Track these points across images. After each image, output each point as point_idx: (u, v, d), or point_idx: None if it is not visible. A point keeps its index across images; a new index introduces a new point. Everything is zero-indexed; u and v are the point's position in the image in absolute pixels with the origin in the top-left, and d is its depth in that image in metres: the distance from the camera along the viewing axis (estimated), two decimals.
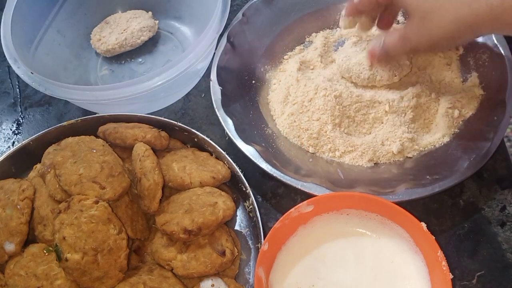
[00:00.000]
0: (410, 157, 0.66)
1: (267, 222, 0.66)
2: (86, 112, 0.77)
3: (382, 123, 0.67)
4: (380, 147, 0.66)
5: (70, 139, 0.64)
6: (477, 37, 0.59)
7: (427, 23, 0.57)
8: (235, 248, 0.60)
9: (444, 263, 0.51)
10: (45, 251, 0.58)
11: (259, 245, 0.61)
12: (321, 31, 0.79)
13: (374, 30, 0.72)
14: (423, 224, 0.53)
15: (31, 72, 0.67)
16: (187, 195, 0.61)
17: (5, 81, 0.85)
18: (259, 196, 0.68)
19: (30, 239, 0.60)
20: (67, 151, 0.61)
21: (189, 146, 0.69)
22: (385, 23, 0.68)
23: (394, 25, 0.69)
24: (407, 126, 0.66)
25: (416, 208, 0.64)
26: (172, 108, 0.77)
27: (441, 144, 0.66)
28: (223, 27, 0.70)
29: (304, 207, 0.57)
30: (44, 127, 0.78)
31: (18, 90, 0.84)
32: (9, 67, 0.86)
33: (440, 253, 0.52)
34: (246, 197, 0.64)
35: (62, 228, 0.54)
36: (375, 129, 0.68)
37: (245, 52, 0.75)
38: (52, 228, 0.58)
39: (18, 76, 0.84)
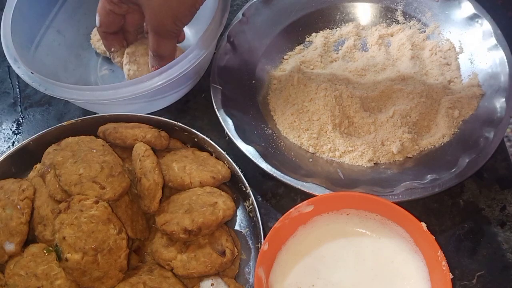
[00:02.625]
0: (410, 157, 0.66)
1: (267, 222, 0.66)
2: (86, 112, 0.77)
3: (383, 122, 0.67)
4: (380, 147, 0.66)
5: (70, 139, 0.64)
6: None
7: (152, 2, 0.59)
8: (235, 248, 0.60)
9: (444, 263, 0.51)
10: (45, 251, 0.58)
11: (259, 245, 0.61)
12: (321, 31, 0.79)
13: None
14: (423, 224, 0.53)
15: (32, 72, 0.66)
16: (187, 195, 0.61)
17: (5, 81, 0.85)
18: (259, 196, 0.68)
19: (30, 239, 0.60)
20: (67, 151, 0.61)
21: (189, 146, 0.69)
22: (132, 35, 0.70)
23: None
24: (407, 126, 0.66)
25: (416, 208, 0.64)
26: (172, 108, 0.77)
27: (441, 144, 0.66)
28: (223, 27, 0.70)
29: (304, 207, 0.57)
30: (44, 127, 0.78)
31: (18, 90, 0.84)
32: (9, 67, 0.85)
33: (440, 253, 0.52)
34: (246, 197, 0.64)
35: (62, 228, 0.54)
36: (375, 129, 0.68)
37: (245, 52, 0.75)
38: (52, 228, 0.58)
39: (18, 76, 0.84)
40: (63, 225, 0.54)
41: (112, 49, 0.68)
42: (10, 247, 0.58)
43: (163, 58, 0.64)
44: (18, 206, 0.59)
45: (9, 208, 0.59)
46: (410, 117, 0.67)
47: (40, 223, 0.59)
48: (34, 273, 0.56)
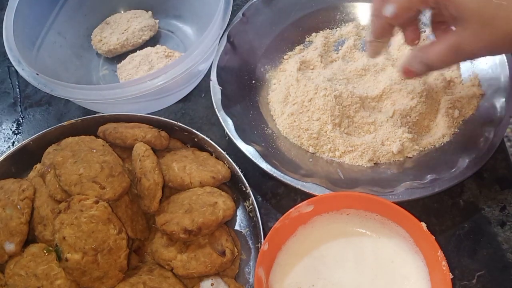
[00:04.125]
0: (410, 157, 0.66)
1: (267, 222, 0.66)
2: (86, 112, 0.77)
3: (382, 123, 0.67)
4: (380, 147, 0.66)
5: (70, 139, 0.64)
6: None
7: (491, 29, 0.49)
8: (235, 248, 0.60)
9: (444, 263, 0.51)
10: (45, 251, 0.58)
11: (259, 245, 0.61)
12: (321, 31, 0.79)
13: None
14: (423, 224, 0.53)
15: (37, 73, 0.67)
16: (187, 195, 0.61)
17: (5, 81, 0.85)
18: (259, 196, 0.68)
19: (30, 239, 0.60)
20: (67, 151, 0.61)
21: (189, 146, 0.69)
22: (414, 37, 0.61)
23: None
24: (407, 126, 0.66)
25: (416, 208, 0.64)
26: (172, 108, 0.77)
27: (441, 144, 0.66)
28: (225, 26, 0.70)
29: (304, 207, 0.57)
30: (44, 127, 0.78)
31: (18, 90, 0.84)
32: (9, 67, 0.86)
33: (440, 253, 0.52)
34: (246, 197, 0.64)
35: (62, 228, 0.54)
36: (375, 129, 0.68)
37: (245, 52, 0.75)
38: (52, 228, 0.58)
39: (18, 76, 0.84)
40: (63, 225, 0.54)
41: (380, 40, 0.60)
42: (10, 247, 0.58)
43: (429, 69, 0.57)
44: (18, 206, 0.59)
45: (9, 208, 0.59)
46: (410, 117, 0.67)
47: (40, 223, 0.59)
48: (34, 273, 0.56)
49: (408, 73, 0.59)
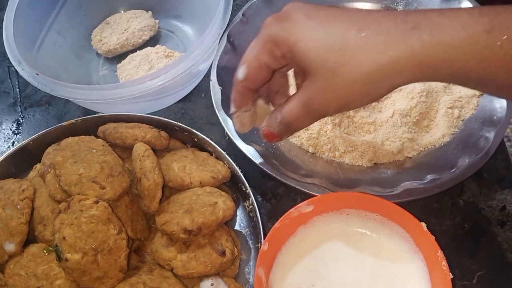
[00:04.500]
0: (410, 157, 0.66)
1: (267, 222, 0.66)
2: (86, 112, 0.77)
3: (382, 123, 0.67)
4: (380, 147, 0.66)
5: (70, 139, 0.64)
6: (394, 89, 0.46)
7: (337, 80, 0.45)
8: (235, 248, 0.60)
9: (444, 263, 0.51)
10: (45, 251, 0.58)
11: (259, 245, 0.61)
12: None
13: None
14: (423, 224, 0.53)
15: (37, 73, 0.67)
16: (187, 195, 0.61)
17: (5, 81, 0.85)
18: (259, 196, 0.68)
19: (30, 239, 0.60)
20: (67, 151, 0.61)
21: (189, 146, 0.69)
22: (280, 96, 0.55)
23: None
24: (407, 126, 0.66)
25: (416, 208, 0.64)
26: (172, 108, 0.77)
27: (441, 144, 0.66)
28: (225, 26, 0.70)
29: (304, 207, 0.57)
30: (44, 127, 0.78)
31: (18, 90, 0.84)
32: (9, 67, 0.86)
33: (440, 253, 0.52)
34: (246, 197, 0.64)
35: (62, 228, 0.54)
36: (375, 129, 0.68)
37: (245, 52, 0.75)
38: (52, 228, 0.58)
39: (18, 76, 0.84)
40: (63, 225, 0.54)
41: (243, 109, 0.54)
42: (10, 247, 0.58)
43: (290, 130, 0.52)
44: (18, 206, 0.59)
45: (9, 208, 0.59)
46: (410, 117, 0.67)
47: (40, 223, 0.59)
48: (34, 273, 0.56)
49: (270, 136, 0.53)
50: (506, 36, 0.41)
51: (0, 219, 0.58)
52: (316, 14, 0.46)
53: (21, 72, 0.69)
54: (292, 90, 0.56)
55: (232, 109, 0.54)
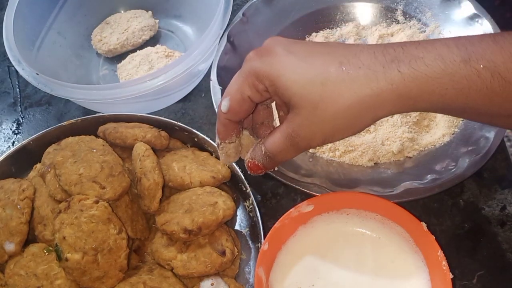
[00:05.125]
0: (410, 157, 0.66)
1: (267, 222, 0.66)
2: (86, 112, 0.77)
3: (382, 122, 0.67)
4: (380, 146, 0.66)
5: (70, 139, 0.64)
6: (377, 120, 0.46)
7: (320, 113, 0.45)
8: (235, 248, 0.60)
9: (444, 262, 0.51)
10: (45, 251, 0.58)
11: (259, 244, 0.61)
12: (321, 31, 0.79)
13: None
14: (423, 224, 0.53)
15: (37, 73, 0.67)
16: (187, 195, 0.61)
17: (5, 80, 0.85)
18: (259, 196, 0.68)
19: (30, 239, 0.60)
20: (67, 151, 0.61)
21: (189, 146, 0.69)
22: (264, 127, 0.55)
23: None
24: (408, 126, 0.66)
25: (416, 208, 0.64)
26: (172, 108, 0.77)
27: (441, 144, 0.66)
28: (225, 26, 0.70)
29: (304, 206, 0.57)
30: (44, 127, 0.79)
31: (18, 90, 0.84)
32: (9, 66, 0.86)
33: (440, 252, 0.52)
34: (246, 197, 0.64)
35: (62, 228, 0.54)
36: (375, 128, 0.68)
37: (245, 52, 0.73)
38: (52, 228, 0.58)
39: (18, 76, 0.85)
40: (63, 225, 0.54)
41: (227, 141, 0.54)
42: (10, 247, 0.58)
43: (274, 162, 0.52)
44: (18, 206, 0.59)
45: (9, 208, 0.59)
46: (410, 116, 0.67)
47: (40, 223, 0.59)
48: (34, 273, 0.56)
49: (255, 168, 0.53)
50: (482, 65, 0.42)
51: (0, 219, 0.58)
52: (297, 49, 0.47)
53: (21, 72, 0.69)
54: (277, 122, 0.56)
55: (217, 140, 0.54)
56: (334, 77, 0.44)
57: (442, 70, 0.42)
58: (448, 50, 0.43)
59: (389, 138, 0.66)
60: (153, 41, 0.85)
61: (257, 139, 0.56)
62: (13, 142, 0.79)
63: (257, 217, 0.60)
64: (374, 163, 0.66)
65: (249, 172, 0.54)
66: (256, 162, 0.52)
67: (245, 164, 0.54)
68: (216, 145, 0.55)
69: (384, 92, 0.44)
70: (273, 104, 0.56)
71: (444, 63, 0.42)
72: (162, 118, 0.67)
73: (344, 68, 0.44)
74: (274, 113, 0.56)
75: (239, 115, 0.51)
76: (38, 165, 0.66)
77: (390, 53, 0.44)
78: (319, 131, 0.47)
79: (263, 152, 0.51)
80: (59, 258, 0.54)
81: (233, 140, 0.54)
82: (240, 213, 0.67)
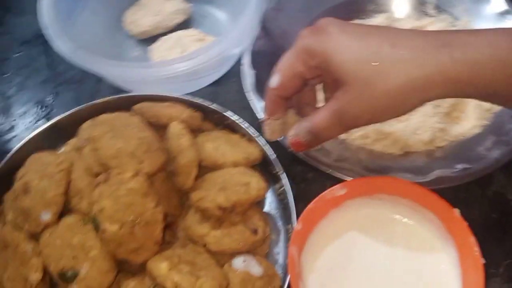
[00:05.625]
0: (440, 147, 0.67)
1: (296, 206, 0.66)
2: (117, 92, 0.77)
3: (414, 112, 0.68)
4: (412, 135, 0.66)
5: (106, 115, 0.64)
6: (424, 103, 0.47)
7: (370, 90, 0.46)
8: (267, 227, 0.61)
9: (476, 248, 0.52)
10: (80, 222, 0.58)
11: (289, 226, 0.62)
12: (352, 21, 0.80)
13: None
14: (456, 210, 0.54)
15: (74, 49, 0.68)
16: (220, 174, 0.61)
17: (38, 58, 0.86)
18: (289, 179, 0.69)
19: (65, 211, 0.61)
20: (104, 126, 0.61)
21: (220, 128, 0.70)
22: (310, 108, 0.56)
23: None
24: (439, 116, 0.67)
25: (445, 197, 0.63)
26: (203, 91, 0.78)
27: (471, 135, 0.67)
28: (260, 12, 0.71)
29: (337, 190, 0.57)
30: (75, 105, 0.78)
31: (50, 67, 0.85)
32: (43, 44, 0.86)
33: (472, 239, 0.52)
34: (276, 179, 0.64)
35: (101, 200, 0.55)
36: (407, 118, 0.68)
37: (278, 38, 0.76)
38: (87, 200, 0.59)
39: (50, 54, 0.85)
40: (102, 196, 0.55)
41: (274, 117, 0.56)
42: (46, 217, 0.58)
43: (318, 140, 0.53)
44: (55, 178, 0.60)
45: (46, 180, 0.60)
46: (441, 107, 0.68)
47: (76, 195, 0.60)
48: (69, 243, 0.57)
49: (297, 145, 0.54)
50: None
51: (37, 190, 0.59)
52: (350, 29, 0.49)
53: (56, 48, 0.69)
54: (321, 104, 0.57)
55: (263, 116, 0.56)
56: (386, 56, 0.46)
57: (492, 56, 0.44)
58: (498, 38, 0.44)
59: (420, 127, 0.67)
60: (185, 25, 0.86)
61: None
62: (45, 118, 0.80)
63: (289, 199, 0.61)
64: (405, 152, 0.67)
65: (291, 150, 0.55)
66: (299, 139, 0.53)
67: (288, 141, 0.54)
68: (261, 121, 0.56)
69: (434, 75, 0.45)
70: (318, 87, 0.57)
71: (494, 49, 0.44)
72: (196, 99, 0.68)
73: (396, 49, 0.46)
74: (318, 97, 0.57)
75: (288, 91, 0.53)
76: (73, 140, 0.66)
77: (442, 38, 0.46)
78: (367, 109, 0.48)
79: (308, 129, 0.52)
80: (96, 229, 0.55)
81: (279, 117, 0.56)
82: (269, 196, 0.67)
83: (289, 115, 0.57)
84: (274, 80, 0.52)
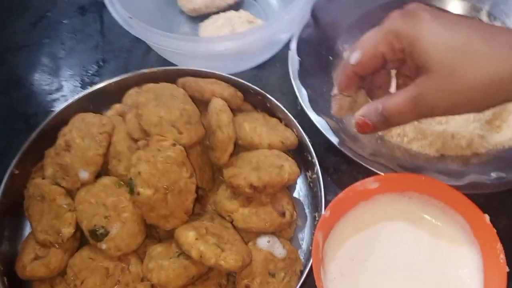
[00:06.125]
0: (478, 154, 0.66)
1: (326, 195, 0.67)
2: (164, 65, 0.79)
3: (455, 116, 0.67)
4: (450, 139, 0.66)
5: (152, 84, 0.66)
6: (506, 102, 0.47)
7: (454, 80, 0.46)
8: (295, 212, 0.62)
9: (502, 255, 0.52)
10: (116, 184, 0.60)
11: (316, 214, 0.63)
12: None
13: None
14: (486, 216, 0.54)
15: (129, 17, 0.69)
16: (255, 154, 0.62)
17: (91, 25, 0.89)
18: (321, 169, 0.70)
19: (102, 172, 0.63)
20: (149, 93, 0.63)
21: (259, 111, 0.71)
22: (381, 91, 0.57)
23: None
24: (480, 123, 0.67)
25: (476, 203, 0.64)
26: (246, 73, 0.79)
27: (510, 145, 0.66)
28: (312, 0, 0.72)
29: (370, 182, 0.58)
30: (121, 73, 0.80)
31: (101, 35, 0.87)
32: (97, 11, 0.89)
33: (499, 245, 0.52)
34: (309, 167, 0.65)
35: (138, 164, 0.56)
36: (447, 120, 0.68)
37: (327, 28, 0.76)
38: (125, 164, 0.61)
39: (104, 21, 0.88)
40: (140, 161, 0.57)
41: (345, 93, 0.56)
42: (84, 175, 0.60)
43: (387, 123, 0.52)
44: (97, 138, 0.62)
45: (88, 139, 0.62)
46: (483, 114, 0.67)
47: (115, 158, 0.62)
48: (103, 203, 0.59)
49: (364, 126, 0.53)
50: None
51: (78, 148, 0.61)
52: (442, 17, 0.49)
53: (113, 14, 0.71)
54: (393, 90, 0.58)
55: (335, 91, 0.56)
56: (477, 49, 0.46)
57: None
58: None
59: (459, 132, 0.66)
60: (236, 6, 0.87)
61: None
62: (91, 83, 0.82)
63: (320, 187, 0.62)
64: (441, 154, 0.67)
65: (356, 130, 0.55)
66: (367, 120, 0.53)
67: (355, 121, 0.54)
68: (332, 95, 0.57)
69: None
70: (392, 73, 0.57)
71: None
72: (239, 79, 0.69)
73: (488, 44, 0.45)
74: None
75: (365, 70, 0.53)
76: (118, 105, 0.69)
77: None
78: (447, 99, 0.47)
79: (379, 111, 0.51)
80: (131, 191, 0.57)
81: (351, 94, 0.56)
82: (300, 182, 0.68)
83: (359, 95, 0.57)
84: (354, 57, 0.52)
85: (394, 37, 0.49)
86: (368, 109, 0.53)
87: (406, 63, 0.53)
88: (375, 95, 0.57)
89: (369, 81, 0.56)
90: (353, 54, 0.52)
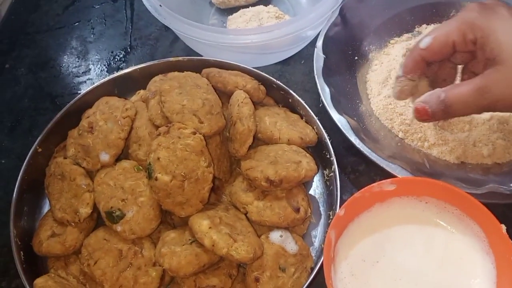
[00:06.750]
0: (499, 163, 0.65)
1: (342, 195, 0.67)
2: (190, 54, 0.80)
3: (478, 124, 0.67)
4: (471, 147, 0.65)
5: (176, 73, 0.67)
6: None
7: None
8: (309, 209, 0.62)
9: None
10: (135, 169, 0.61)
11: (330, 213, 0.63)
12: (432, 24, 0.79)
13: None
14: (503, 226, 0.53)
15: (160, 5, 0.70)
16: (273, 148, 0.63)
17: (121, 11, 0.90)
18: (338, 168, 0.69)
19: (122, 156, 0.64)
20: (174, 81, 0.64)
21: (280, 106, 0.71)
22: (445, 84, 0.56)
23: None
24: (503, 133, 0.66)
25: (494, 213, 0.63)
26: (270, 68, 0.79)
27: None
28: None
29: (387, 184, 0.57)
30: (147, 60, 0.82)
31: (130, 22, 0.88)
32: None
33: None
34: (326, 165, 0.65)
35: (158, 150, 0.57)
36: (470, 128, 0.67)
37: (354, 28, 0.76)
38: (146, 149, 0.62)
39: (134, 9, 0.89)
40: (160, 147, 0.57)
41: (409, 76, 0.57)
42: (105, 157, 0.61)
43: (447, 113, 0.52)
44: (119, 122, 0.63)
45: (111, 122, 0.63)
46: (507, 124, 0.66)
47: (136, 143, 0.63)
48: (122, 186, 0.60)
49: (423, 113, 0.53)
50: None
51: (101, 131, 0.62)
52: None
53: (144, 1, 0.72)
54: None
55: (399, 73, 0.57)
56: None
57: None
58: None
59: (482, 140, 0.66)
60: (265, 1, 0.87)
61: None
62: (119, 68, 0.83)
63: (336, 185, 0.62)
64: (461, 162, 0.66)
65: (413, 117, 0.55)
66: (427, 107, 0.53)
67: (414, 108, 0.55)
68: (396, 77, 0.58)
69: None
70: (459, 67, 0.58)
71: None
72: (262, 73, 0.69)
73: None
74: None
75: (433, 56, 0.54)
76: (142, 91, 0.69)
77: None
78: None
79: (441, 99, 0.52)
80: (150, 176, 0.57)
81: (414, 79, 0.57)
82: (316, 180, 0.68)
83: (422, 82, 0.57)
84: (425, 41, 0.53)
85: (468, 27, 0.50)
86: (430, 96, 0.53)
87: (475, 59, 0.53)
88: (438, 87, 0.56)
89: (434, 72, 0.57)
90: (424, 39, 0.53)
